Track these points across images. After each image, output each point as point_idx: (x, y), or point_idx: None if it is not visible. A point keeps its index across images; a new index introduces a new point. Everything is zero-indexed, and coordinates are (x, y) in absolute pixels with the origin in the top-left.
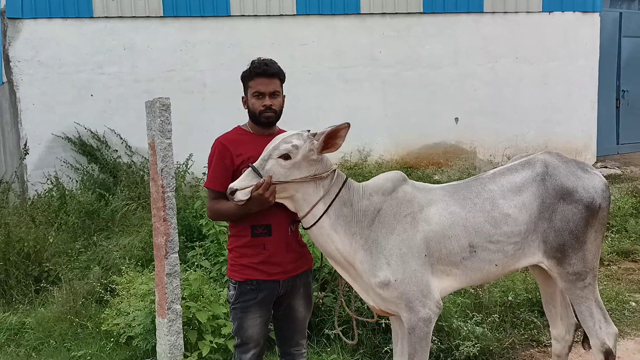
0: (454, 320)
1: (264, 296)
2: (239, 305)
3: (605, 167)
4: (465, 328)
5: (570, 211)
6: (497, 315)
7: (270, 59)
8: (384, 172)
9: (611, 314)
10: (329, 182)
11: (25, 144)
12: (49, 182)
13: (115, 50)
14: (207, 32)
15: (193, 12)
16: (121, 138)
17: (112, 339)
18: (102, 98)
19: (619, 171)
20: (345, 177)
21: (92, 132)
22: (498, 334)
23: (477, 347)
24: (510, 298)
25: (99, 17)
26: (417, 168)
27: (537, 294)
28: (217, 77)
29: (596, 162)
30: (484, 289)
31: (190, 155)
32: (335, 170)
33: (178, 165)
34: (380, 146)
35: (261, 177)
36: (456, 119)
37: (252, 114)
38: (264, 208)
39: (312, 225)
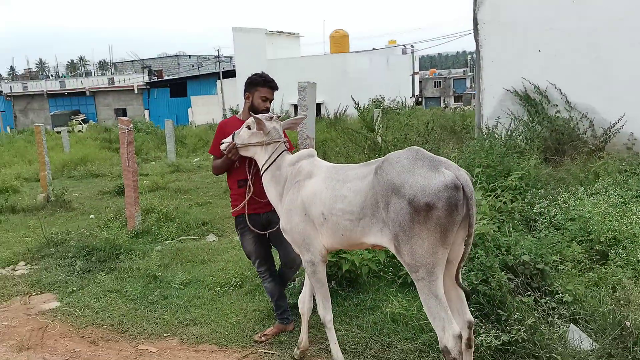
0: None
1: (252, 224)
2: (239, 232)
3: None
4: None
5: (398, 205)
6: None
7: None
8: None
9: None
10: (270, 150)
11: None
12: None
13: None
14: None
15: None
16: (561, 93)
17: None
18: (546, 53)
19: None
20: (284, 149)
21: (535, 87)
22: None
23: None
24: None
25: None
26: None
27: None
28: None
29: None
30: None
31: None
32: (279, 142)
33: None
34: None
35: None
36: None
37: (254, 109)
38: (232, 161)
39: (261, 177)
